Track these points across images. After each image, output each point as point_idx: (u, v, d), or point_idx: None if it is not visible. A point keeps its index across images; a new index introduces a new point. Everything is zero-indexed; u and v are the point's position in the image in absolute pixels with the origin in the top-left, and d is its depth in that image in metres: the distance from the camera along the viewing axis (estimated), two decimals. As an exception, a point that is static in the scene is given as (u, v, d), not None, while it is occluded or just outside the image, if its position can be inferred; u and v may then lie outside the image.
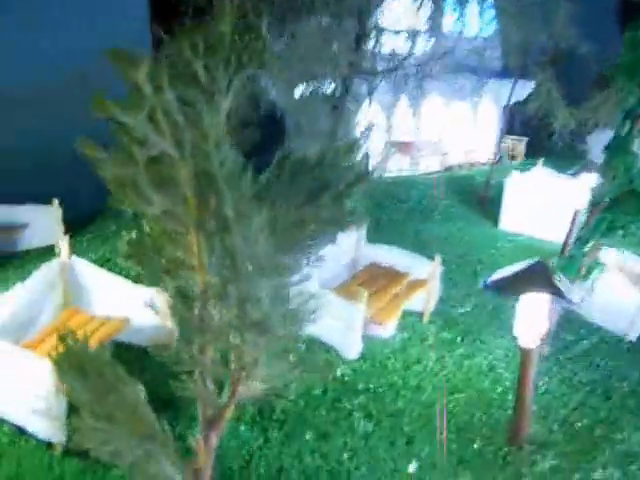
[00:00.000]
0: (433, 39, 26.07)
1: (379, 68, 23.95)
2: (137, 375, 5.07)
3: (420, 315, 13.12)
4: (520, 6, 23.70)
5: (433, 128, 27.18)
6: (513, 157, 29.74)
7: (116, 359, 5.09)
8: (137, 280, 8.89)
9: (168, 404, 6.31)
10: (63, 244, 10.13)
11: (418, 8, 25.73)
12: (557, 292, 8.63)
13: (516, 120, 28.13)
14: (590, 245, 11.11)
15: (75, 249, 10.97)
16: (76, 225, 14.64)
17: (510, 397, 10.71)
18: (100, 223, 16.39)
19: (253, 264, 3.85)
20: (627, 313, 14.03)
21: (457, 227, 20.21)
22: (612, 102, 22.05)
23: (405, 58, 22.19)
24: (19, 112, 14.82)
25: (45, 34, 15.47)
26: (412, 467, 8.97)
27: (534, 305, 8.89)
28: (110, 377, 4.71)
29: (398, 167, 24.99)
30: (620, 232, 11.15)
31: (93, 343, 6.39)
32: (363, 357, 11.42)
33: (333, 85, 20.98)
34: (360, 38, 19.23)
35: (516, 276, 8.89)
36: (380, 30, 21.70)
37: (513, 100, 27.41)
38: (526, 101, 26.51)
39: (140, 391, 4.93)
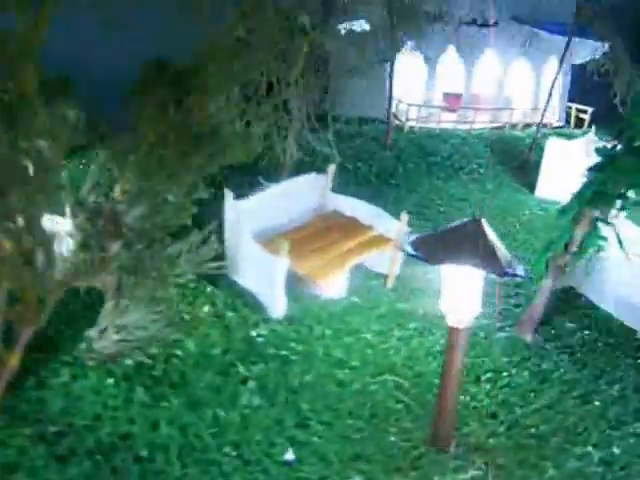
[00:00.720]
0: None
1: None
2: None
3: (385, 279, 11.25)
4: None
5: (487, 83, 24.45)
6: (578, 124, 26.59)
7: None
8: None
9: None
10: None
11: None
12: (483, 265, 6.59)
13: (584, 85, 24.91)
14: (573, 213, 8.87)
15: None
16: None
17: (456, 385, 8.76)
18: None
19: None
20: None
21: (484, 189, 17.86)
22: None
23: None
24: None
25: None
26: (288, 455, 7.29)
27: (462, 277, 6.90)
28: None
29: (442, 120, 22.56)
30: (617, 201, 8.86)
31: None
32: (290, 318, 9.72)
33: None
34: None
35: (439, 239, 6.90)
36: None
37: (577, 61, 24.45)
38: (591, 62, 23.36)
39: None
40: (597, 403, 9.46)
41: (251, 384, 8.28)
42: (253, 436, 7.45)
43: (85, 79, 6.33)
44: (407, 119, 21.14)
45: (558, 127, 26.40)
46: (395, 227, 10.63)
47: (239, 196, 10.27)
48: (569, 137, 20.30)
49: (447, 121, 22.70)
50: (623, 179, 8.46)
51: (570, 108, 26.77)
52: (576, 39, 22.68)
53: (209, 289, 10.16)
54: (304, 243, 10.05)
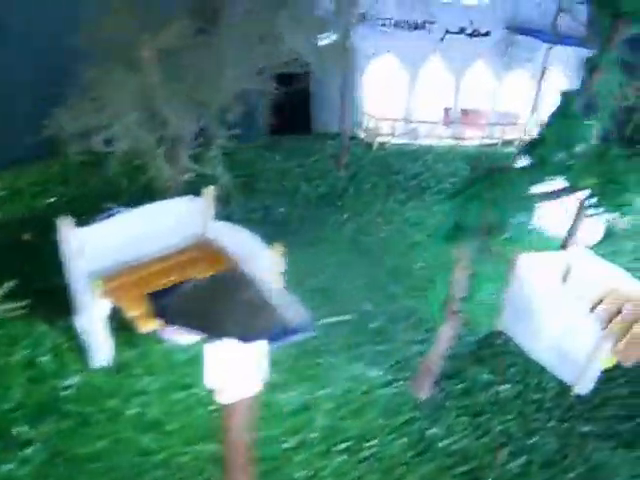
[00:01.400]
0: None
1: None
2: None
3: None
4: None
5: (479, 96, 22.57)
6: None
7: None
8: None
9: None
10: None
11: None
12: (239, 333, 4.94)
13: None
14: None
15: None
16: None
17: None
18: None
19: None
20: (578, 354, 9.75)
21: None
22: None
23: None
24: None
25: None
26: None
27: (224, 348, 5.28)
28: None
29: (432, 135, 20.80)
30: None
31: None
32: (120, 367, 8.35)
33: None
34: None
35: (190, 298, 5.28)
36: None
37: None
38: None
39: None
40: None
41: (32, 449, 6.87)
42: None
43: None
44: (377, 134, 19.49)
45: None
46: (267, 264, 9.08)
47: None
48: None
49: (434, 136, 20.94)
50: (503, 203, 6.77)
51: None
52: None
53: (42, 328, 8.85)
54: (151, 280, 8.61)
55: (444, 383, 9.44)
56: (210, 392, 7.89)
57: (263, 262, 9.07)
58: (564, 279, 11.74)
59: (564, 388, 9.87)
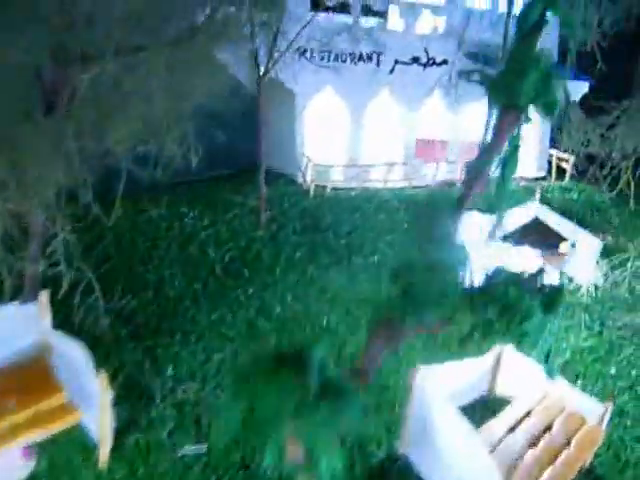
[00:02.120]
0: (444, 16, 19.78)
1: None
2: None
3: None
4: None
5: (438, 130, 20.78)
6: (560, 174, 22.53)
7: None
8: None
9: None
10: None
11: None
12: None
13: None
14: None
15: None
16: None
17: None
18: None
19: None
20: None
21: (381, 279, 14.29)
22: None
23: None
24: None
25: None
26: None
27: None
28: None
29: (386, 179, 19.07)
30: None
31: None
32: None
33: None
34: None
35: None
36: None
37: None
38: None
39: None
40: None
41: None
42: None
43: None
44: (312, 180, 17.79)
45: (538, 179, 22.43)
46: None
47: None
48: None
49: (384, 179, 19.18)
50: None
51: (551, 156, 22.67)
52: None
53: None
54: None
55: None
56: None
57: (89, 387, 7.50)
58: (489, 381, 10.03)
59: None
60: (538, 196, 16.10)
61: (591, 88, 20.98)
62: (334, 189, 18.06)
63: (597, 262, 14.64)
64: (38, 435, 7.75)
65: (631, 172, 18.90)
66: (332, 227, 15.87)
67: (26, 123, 8.63)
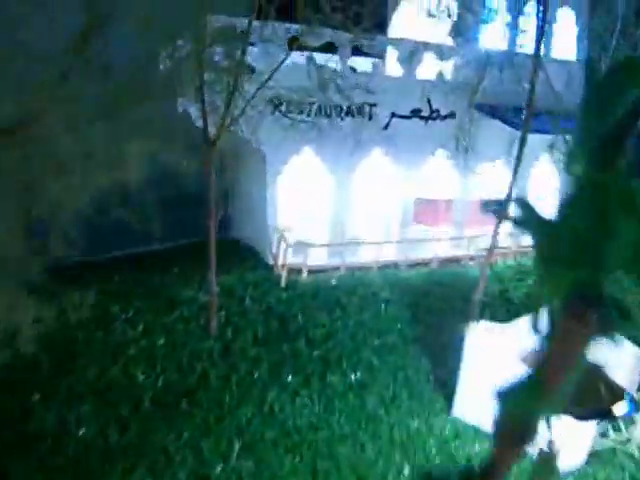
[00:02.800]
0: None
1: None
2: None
3: None
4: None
5: (443, 193, 17.49)
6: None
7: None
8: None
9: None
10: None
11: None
12: None
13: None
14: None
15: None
16: None
17: None
18: None
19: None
20: None
21: (364, 408, 11.05)
22: None
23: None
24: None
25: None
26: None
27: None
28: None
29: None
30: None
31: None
32: None
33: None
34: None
35: None
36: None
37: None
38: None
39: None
40: None
41: None
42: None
43: None
44: (283, 265, 14.45)
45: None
46: None
47: None
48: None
49: (375, 259, 15.82)
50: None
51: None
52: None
53: None
54: None
55: None
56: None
57: None
58: None
59: None
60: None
61: None
62: (312, 272, 14.70)
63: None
64: None
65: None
66: (304, 331, 12.52)
67: None
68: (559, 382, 4.58)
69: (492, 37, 17.20)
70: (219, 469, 9.15)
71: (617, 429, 10.34)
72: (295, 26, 13.84)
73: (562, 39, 18.39)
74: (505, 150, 15.90)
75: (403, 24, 17.03)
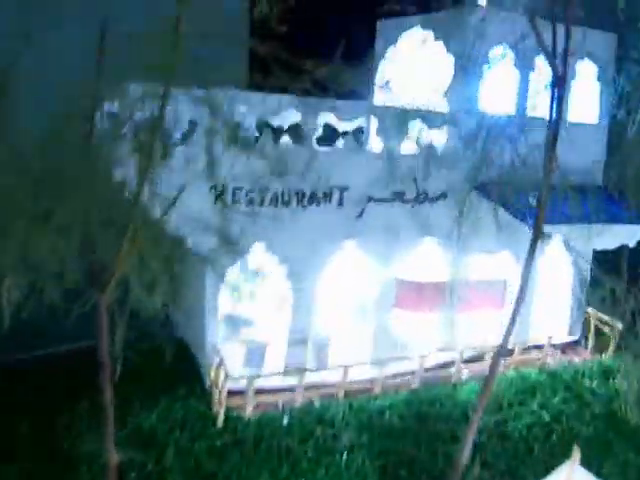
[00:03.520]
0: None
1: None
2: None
3: None
4: None
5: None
6: (599, 341, 16.17)
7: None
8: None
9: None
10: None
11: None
12: None
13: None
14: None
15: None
16: None
17: None
18: None
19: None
20: None
21: None
22: None
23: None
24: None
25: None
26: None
27: None
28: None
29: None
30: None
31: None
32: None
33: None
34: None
35: None
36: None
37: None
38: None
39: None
40: None
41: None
42: None
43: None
44: (220, 402, 11.44)
45: (569, 345, 16.13)
46: None
47: None
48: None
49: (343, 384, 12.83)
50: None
51: (589, 316, 16.27)
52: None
53: None
54: None
55: None
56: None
57: None
58: None
59: None
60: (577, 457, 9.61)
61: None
62: (259, 406, 11.70)
63: None
64: None
65: None
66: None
67: None
68: None
69: (496, 99, 14.10)
70: None
71: None
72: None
73: (581, 98, 15.26)
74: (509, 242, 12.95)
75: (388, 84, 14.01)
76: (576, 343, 16.36)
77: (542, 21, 10.13)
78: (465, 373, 14.07)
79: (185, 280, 11.84)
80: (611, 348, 15.53)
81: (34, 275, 6.98)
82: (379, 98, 15.07)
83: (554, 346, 15.73)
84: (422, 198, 13.29)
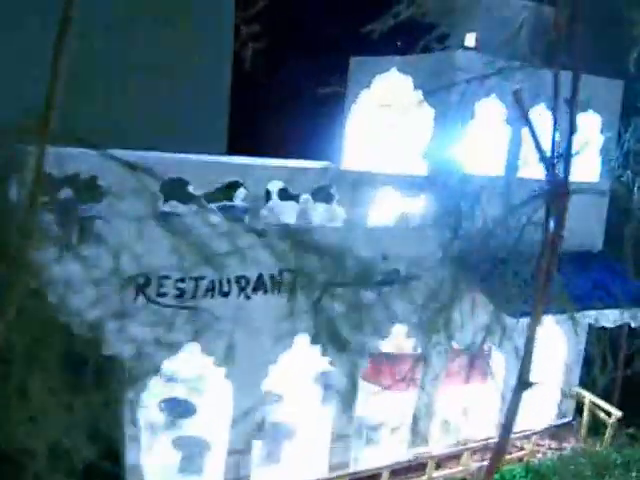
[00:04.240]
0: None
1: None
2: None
3: None
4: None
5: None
6: (595, 426, 14.29)
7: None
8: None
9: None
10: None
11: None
12: None
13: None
14: None
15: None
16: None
17: None
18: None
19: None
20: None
21: None
22: None
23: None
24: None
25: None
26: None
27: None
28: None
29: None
30: None
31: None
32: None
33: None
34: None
35: None
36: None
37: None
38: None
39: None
40: None
41: None
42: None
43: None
44: None
45: (560, 426, 14.29)
46: None
47: None
48: None
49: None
50: None
51: (583, 397, 14.39)
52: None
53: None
54: None
55: None
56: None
57: None
58: None
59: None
60: None
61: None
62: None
63: None
64: None
65: None
66: None
67: None
68: None
69: (483, 158, 12.13)
70: None
71: None
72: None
73: (583, 154, 13.24)
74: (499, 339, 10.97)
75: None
76: (567, 425, 14.50)
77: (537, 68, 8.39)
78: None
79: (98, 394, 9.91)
80: (607, 438, 13.66)
81: None
82: (349, 154, 13.14)
83: (543, 432, 13.88)
84: (391, 279, 11.29)
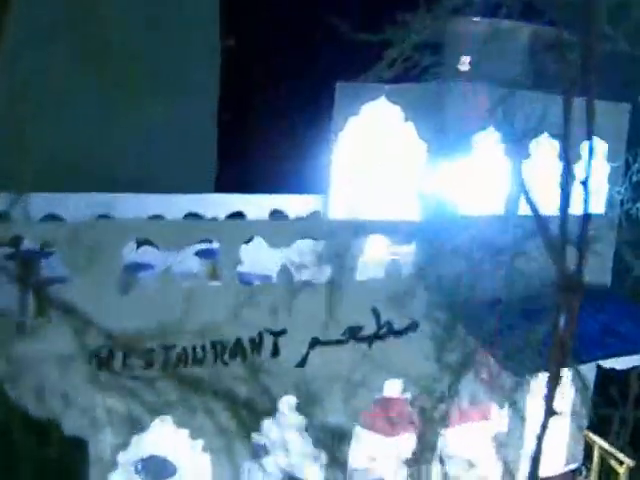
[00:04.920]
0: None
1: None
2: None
3: None
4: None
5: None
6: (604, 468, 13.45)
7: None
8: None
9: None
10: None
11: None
12: None
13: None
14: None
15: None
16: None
17: None
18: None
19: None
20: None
21: None
22: None
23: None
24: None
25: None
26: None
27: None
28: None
29: None
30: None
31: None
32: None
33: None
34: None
35: None
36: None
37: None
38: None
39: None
40: None
41: None
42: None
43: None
44: None
45: (567, 474, 13.42)
46: None
47: None
48: None
49: None
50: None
51: (593, 442, 13.51)
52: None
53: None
54: None
55: None
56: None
57: None
58: None
59: None
60: None
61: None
62: None
63: None
64: None
65: None
66: None
67: None
68: None
69: (482, 196, 11.23)
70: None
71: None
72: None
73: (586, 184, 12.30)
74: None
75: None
76: (575, 472, 13.62)
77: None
78: None
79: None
80: (621, 483, 12.81)
81: None
82: (337, 184, 12.20)
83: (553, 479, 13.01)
84: (384, 332, 10.41)
